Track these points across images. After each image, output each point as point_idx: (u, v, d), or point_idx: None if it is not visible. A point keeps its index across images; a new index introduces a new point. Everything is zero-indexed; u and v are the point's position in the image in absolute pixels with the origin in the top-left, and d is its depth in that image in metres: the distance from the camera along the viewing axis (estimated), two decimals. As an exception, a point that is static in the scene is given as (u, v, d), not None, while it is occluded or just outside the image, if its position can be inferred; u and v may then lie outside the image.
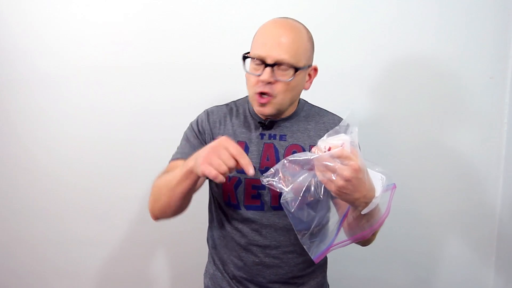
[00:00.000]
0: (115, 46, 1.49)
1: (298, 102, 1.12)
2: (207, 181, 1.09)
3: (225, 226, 1.12)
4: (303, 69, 1.01)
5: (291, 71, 0.98)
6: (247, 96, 1.16)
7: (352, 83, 1.52)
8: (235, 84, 1.37)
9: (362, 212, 0.82)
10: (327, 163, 0.75)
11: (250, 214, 1.07)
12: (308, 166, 0.78)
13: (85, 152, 1.54)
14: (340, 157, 0.75)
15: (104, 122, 1.53)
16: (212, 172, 0.82)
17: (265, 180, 0.80)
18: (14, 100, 1.52)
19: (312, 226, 0.83)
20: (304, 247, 0.85)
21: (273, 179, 0.79)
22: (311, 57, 1.06)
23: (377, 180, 0.81)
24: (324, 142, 0.78)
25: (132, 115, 1.52)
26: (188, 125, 1.17)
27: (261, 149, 1.07)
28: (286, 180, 0.78)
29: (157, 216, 1.06)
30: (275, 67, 0.98)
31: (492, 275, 1.63)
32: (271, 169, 0.81)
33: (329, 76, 1.51)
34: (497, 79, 1.52)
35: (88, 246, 1.60)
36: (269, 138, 1.08)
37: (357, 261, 1.63)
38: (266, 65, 0.97)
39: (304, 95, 1.12)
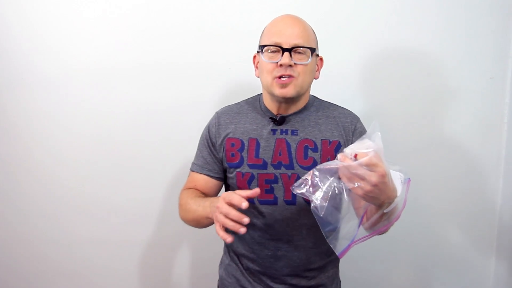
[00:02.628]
0: (115, 47, 1.49)
1: (308, 97, 1.15)
2: None
3: None
4: (315, 53, 1.07)
5: (308, 53, 1.05)
6: (258, 94, 1.20)
7: (351, 84, 1.52)
8: (235, 84, 1.38)
9: (385, 211, 0.86)
10: (356, 171, 0.78)
11: (264, 208, 1.11)
12: (336, 173, 0.82)
13: (86, 152, 1.55)
14: (368, 165, 0.78)
15: (105, 122, 1.53)
16: (223, 226, 0.90)
17: (296, 190, 0.84)
18: (14, 100, 1.52)
19: (338, 227, 0.88)
20: (331, 245, 0.89)
21: (304, 188, 0.83)
22: (318, 47, 1.11)
23: (396, 179, 0.85)
24: (350, 150, 0.80)
25: (133, 115, 1.52)
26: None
27: (273, 144, 1.10)
28: (315, 188, 0.83)
29: (186, 223, 1.14)
30: (292, 52, 1.03)
31: (492, 274, 1.63)
32: (302, 178, 0.85)
33: (333, 75, 1.51)
34: (497, 79, 1.52)
35: (89, 245, 1.61)
36: (281, 134, 1.11)
37: (356, 260, 1.63)
38: (284, 50, 1.03)
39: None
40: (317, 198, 0.82)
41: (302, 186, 0.84)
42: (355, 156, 0.79)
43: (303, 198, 1.04)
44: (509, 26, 1.49)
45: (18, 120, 1.54)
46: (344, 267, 1.62)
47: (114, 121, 1.53)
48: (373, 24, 1.48)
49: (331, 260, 1.19)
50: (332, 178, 0.82)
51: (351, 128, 1.13)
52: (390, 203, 0.85)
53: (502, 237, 1.59)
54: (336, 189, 0.82)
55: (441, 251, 1.62)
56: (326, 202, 0.82)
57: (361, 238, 0.89)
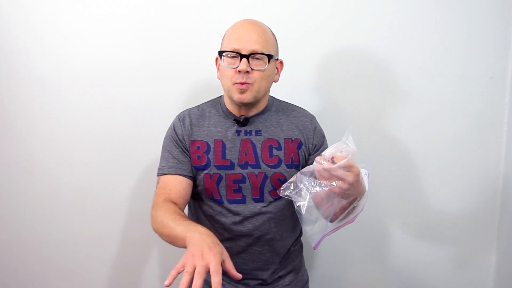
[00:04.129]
0: (114, 47, 1.49)
1: (268, 99, 1.20)
2: None
3: (207, 222, 1.17)
4: (273, 59, 1.11)
5: (265, 59, 1.08)
6: (218, 97, 1.23)
7: (353, 85, 1.52)
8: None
9: (355, 205, 0.95)
10: (335, 173, 0.86)
11: (233, 207, 1.15)
12: (316, 174, 0.90)
13: (84, 152, 1.55)
14: (346, 167, 0.86)
15: (104, 122, 1.53)
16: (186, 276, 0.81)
17: (282, 193, 0.93)
18: (14, 100, 1.52)
19: (316, 222, 0.97)
20: (309, 239, 1.00)
21: (288, 191, 0.93)
22: (277, 51, 1.16)
23: (364, 176, 0.94)
24: (328, 153, 0.89)
25: (132, 115, 1.52)
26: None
27: (239, 145, 1.15)
28: (298, 189, 0.92)
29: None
30: (250, 58, 1.07)
31: (492, 275, 1.63)
32: (287, 182, 0.94)
33: (331, 78, 1.52)
34: (497, 79, 1.52)
35: (88, 245, 1.61)
36: (246, 134, 1.16)
37: (357, 261, 1.63)
38: (242, 56, 1.06)
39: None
40: (300, 199, 0.92)
41: (287, 189, 0.93)
42: (332, 158, 0.88)
43: (271, 195, 1.15)
44: (509, 26, 1.49)
45: (17, 120, 1.54)
46: (342, 269, 1.63)
47: (114, 120, 1.53)
48: (371, 25, 1.48)
49: (295, 249, 1.27)
50: (312, 180, 0.91)
51: (311, 127, 1.20)
52: (360, 198, 0.95)
53: (502, 237, 1.59)
54: (315, 189, 0.90)
55: (441, 252, 1.62)
56: (306, 201, 0.91)
57: (331, 230, 1.00)
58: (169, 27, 1.48)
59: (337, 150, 0.88)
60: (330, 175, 0.87)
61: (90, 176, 1.56)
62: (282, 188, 0.94)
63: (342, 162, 0.85)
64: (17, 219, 1.60)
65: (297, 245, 1.28)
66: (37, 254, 1.62)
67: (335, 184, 0.88)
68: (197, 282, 0.79)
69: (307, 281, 1.33)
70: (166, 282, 0.81)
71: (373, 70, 1.51)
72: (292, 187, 0.93)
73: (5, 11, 1.46)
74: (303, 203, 0.92)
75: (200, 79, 1.50)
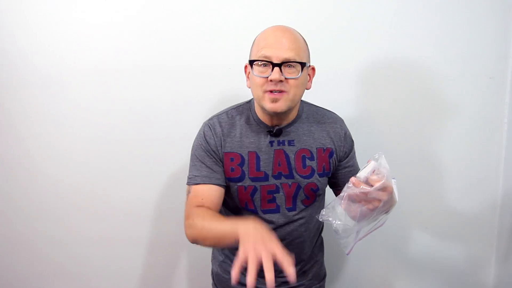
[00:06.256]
0: (115, 47, 1.48)
1: (298, 106, 1.16)
2: None
3: None
4: (306, 66, 1.07)
5: (298, 67, 1.04)
6: (248, 102, 1.18)
7: (354, 84, 1.52)
8: (235, 84, 1.38)
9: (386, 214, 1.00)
10: (371, 195, 0.92)
11: (267, 217, 1.16)
12: (350, 196, 0.96)
13: (85, 152, 1.54)
14: (381, 189, 0.91)
15: (105, 123, 1.53)
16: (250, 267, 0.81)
17: (321, 218, 0.98)
18: (15, 101, 1.51)
19: (351, 234, 1.01)
20: (343, 250, 1.03)
21: (327, 215, 0.98)
22: (309, 57, 1.11)
23: (393, 185, 0.96)
24: (363, 176, 0.94)
25: (133, 116, 1.52)
26: (194, 125, 1.18)
27: (272, 156, 1.13)
28: (335, 212, 0.98)
29: (197, 244, 1.07)
30: (283, 66, 1.02)
31: (492, 275, 1.63)
32: (325, 208, 0.99)
33: (332, 77, 1.51)
34: (497, 79, 1.52)
35: (88, 246, 1.61)
36: (279, 145, 1.14)
37: (358, 261, 1.63)
38: (274, 65, 1.02)
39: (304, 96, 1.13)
40: (337, 221, 0.97)
41: (326, 214, 0.98)
42: (366, 179, 0.93)
43: (303, 203, 1.17)
44: (509, 26, 1.49)
45: (18, 120, 1.54)
46: (340, 271, 1.64)
47: (114, 121, 1.53)
48: (372, 25, 1.48)
49: (318, 245, 1.30)
50: (347, 202, 0.96)
51: (341, 134, 1.19)
52: (391, 209, 0.99)
53: (502, 237, 1.59)
54: (351, 212, 0.96)
55: (441, 251, 1.62)
56: (342, 222, 0.97)
57: (363, 236, 1.03)
58: (173, 27, 1.47)
59: (372, 171, 0.93)
60: (366, 197, 0.92)
61: (90, 176, 1.56)
62: (322, 213, 0.98)
63: (378, 185, 0.91)
64: (17, 219, 1.60)
65: (319, 240, 1.31)
66: (38, 254, 1.62)
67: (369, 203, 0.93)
68: (268, 265, 0.80)
69: (324, 275, 1.35)
70: (233, 282, 0.81)
71: (371, 69, 1.51)
72: (330, 212, 0.98)
73: (5, 11, 1.46)
74: (339, 224, 0.97)
75: (208, 82, 1.50)
